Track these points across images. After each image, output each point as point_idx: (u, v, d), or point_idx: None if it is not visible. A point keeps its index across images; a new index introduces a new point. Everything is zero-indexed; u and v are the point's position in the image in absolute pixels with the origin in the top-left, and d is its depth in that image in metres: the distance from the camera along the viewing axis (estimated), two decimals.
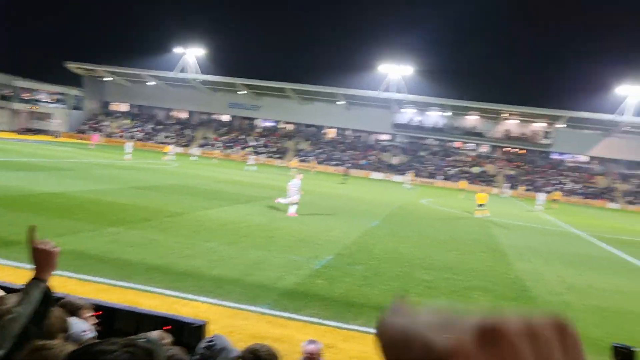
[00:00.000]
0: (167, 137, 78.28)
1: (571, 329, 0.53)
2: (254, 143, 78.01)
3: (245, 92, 79.03)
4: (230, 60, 77.65)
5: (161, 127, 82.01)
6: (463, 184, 58.72)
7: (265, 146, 77.69)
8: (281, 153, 76.56)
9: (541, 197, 48.71)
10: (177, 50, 76.86)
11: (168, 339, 3.86)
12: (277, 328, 8.15)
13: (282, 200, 21.83)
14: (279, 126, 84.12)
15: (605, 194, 71.25)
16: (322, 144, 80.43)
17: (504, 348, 0.48)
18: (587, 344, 6.77)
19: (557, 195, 55.74)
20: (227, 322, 8.10)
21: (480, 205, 30.85)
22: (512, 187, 68.58)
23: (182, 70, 76.38)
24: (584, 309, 11.45)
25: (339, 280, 11.41)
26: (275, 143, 79.20)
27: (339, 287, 10.87)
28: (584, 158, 79.06)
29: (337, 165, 71.99)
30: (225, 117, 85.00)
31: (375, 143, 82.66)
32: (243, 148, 75.72)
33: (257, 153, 70.36)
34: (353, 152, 78.14)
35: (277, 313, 8.87)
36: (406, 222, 23.23)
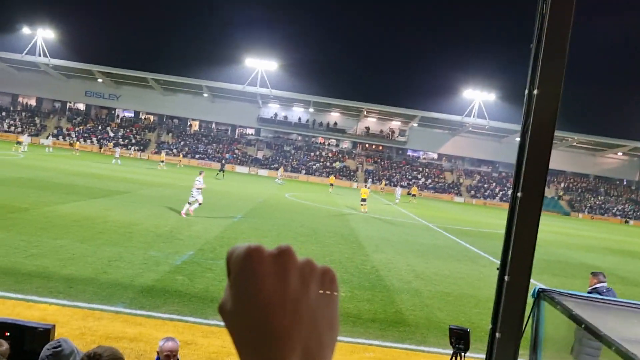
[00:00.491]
0: (11, 125, 71.50)
1: (332, 272, 0.65)
2: (112, 134, 73.95)
3: (103, 80, 74.54)
4: (88, 46, 72.43)
5: (4, 114, 74.62)
6: (332, 179, 60.69)
7: (125, 138, 73.86)
8: (142, 145, 73.37)
9: (399, 191, 52.40)
10: (26, 30, 70.17)
11: (3, 346, 3.60)
12: (133, 327, 7.91)
13: (190, 208, 20.23)
14: (140, 117, 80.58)
15: (452, 188, 77.50)
16: (185, 136, 78.41)
17: (284, 255, 0.62)
18: (432, 327, 7.44)
19: (415, 190, 59.83)
20: (78, 324, 7.71)
21: (364, 200, 32.62)
22: (372, 182, 71.99)
23: (31, 53, 69.79)
24: (430, 294, 12.44)
25: (200, 275, 11.30)
26: (136, 135, 75.64)
27: (199, 282, 10.77)
28: (434, 155, 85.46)
29: (201, 159, 70.70)
30: (81, 106, 79.59)
31: (240, 137, 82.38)
32: (101, 139, 71.46)
33: (120, 146, 66.72)
34: (217, 145, 77.15)
35: (134, 311, 8.60)
36: (269, 216, 23.51)
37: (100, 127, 75.74)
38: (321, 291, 0.63)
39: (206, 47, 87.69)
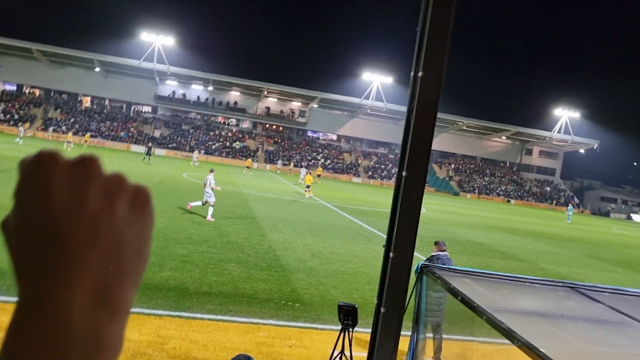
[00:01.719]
0: None
1: (146, 191, 0.55)
2: None
3: None
4: None
5: None
6: (249, 162, 59.97)
7: (7, 113, 68.23)
8: (26, 121, 68.27)
9: (304, 172, 52.84)
10: None
11: None
12: None
13: (196, 203, 19.13)
14: (24, 91, 74.84)
15: (350, 169, 79.33)
16: (76, 113, 73.87)
17: (85, 164, 0.52)
18: (326, 305, 7.54)
19: (320, 170, 60.91)
20: None
21: (308, 187, 33.88)
22: (271, 162, 72.05)
23: None
24: (326, 273, 12.69)
25: None
26: (19, 110, 70.10)
27: None
28: (333, 136, 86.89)
29: (93, 137, 67.01)
30: None
31: (136, 115, 79.01)
32: None
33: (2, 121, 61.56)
34: (111, 123, 73.48)
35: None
36: (165, 197, 22.80)
37: None
38: (131, 212, 0.53)
39: (99, 19, 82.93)
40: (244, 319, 8.58)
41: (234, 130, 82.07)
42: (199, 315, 8.41)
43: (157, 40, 70.49)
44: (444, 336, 7.26)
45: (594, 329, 4.00)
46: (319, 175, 57.62)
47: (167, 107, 79.99)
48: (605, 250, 28.00)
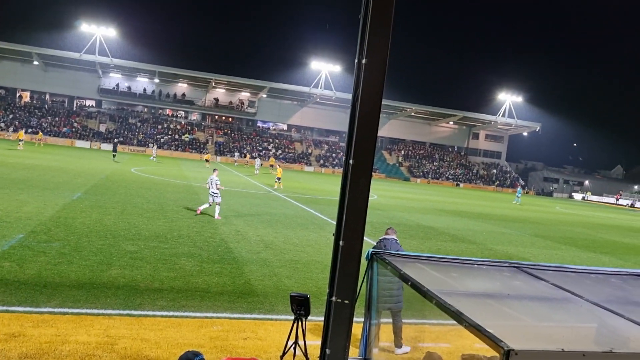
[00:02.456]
0: None
1: None
2: None
3: None
4: None
5: None
6: (208, 156, 59.10)
7: None
8: None
9: (258, 162, 52.95)
10: None
11: None
12: None
13: (204, 206, 19.16)
14: None
15: (302, 158, 79.33)
16: (15, 109, 70.89)
17: None
18: (280, 295, 7.51)
19: (272, 161, 60.77)
20: None
21: (278, 179, 34.76)
22: (221, 154, 71.24)
23: None
24: (279, 264, 12.64)
25: (31, 260, 10.36)
26: None
27: (30, 268, 9.87)
28: (284, 126, 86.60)
29: (34, 133, 64.50)
30: None
31: (80, 109, 76.51)
32: None
33: None
34: (53, 118, 70.90)
35: None
36: (112, 193, 22.23)
37: None
38: None
39: (35, 10, 79.61)
40: (197, 314, 8.46)
41: (183, 122, 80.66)
42: (150, 313, 8.23)
43: (98, 32, 68.30)
44: (404, 321, 7.37)
45: (537, 306, 4.13)
46: (271, 166, 57.61)
47: (112, 100, 77.84)
48: (549, 228, 29.05)
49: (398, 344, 7.47)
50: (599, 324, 3.77)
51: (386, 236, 8.34)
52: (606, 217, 46.31)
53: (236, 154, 71.82)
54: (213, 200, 18.84)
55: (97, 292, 8.91)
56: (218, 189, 18.91)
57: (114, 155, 47.34)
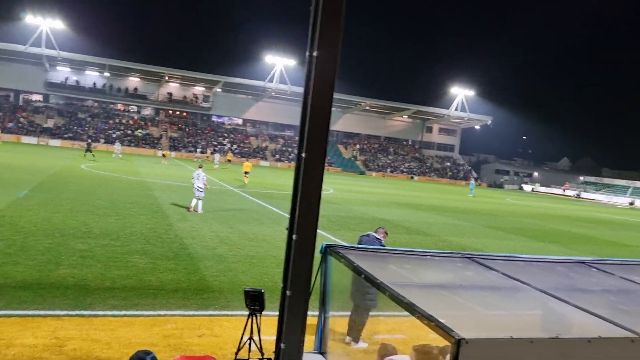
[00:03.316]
0: None
1: None
2: None
3: None
4: None
5: None
6: (167, 152, 58.09)
7: None
8: None
9: (217, 158, 52.50)
10: None
11: None
12: None
13: (197, 205, 19.30)
14: None
15: (258, 153, 78.84)
16: None
17: None
18: (236, 291, 7.41)
19: (230, 155, 60.32)
20: None
21: (246, 173, 34.98)
22: (176, 150, 70.14)
23: None
24: (235, 259, 12.53)
25: None
26: None
27: None
28: (239, 121, 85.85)
29: None
30: None
31: (26, 104, 73.80)
32: None
33: None
34: None
35: None
36: (61, 190, 21.56)
37: None
38: None
39: None
40: (151, 312, 8.29)
41: (135, 117, 78.89)
42: (101, 312, 8.01)
43: (44, 24, 65.93)
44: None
45: (488, 295, 4.21)
46: (229, 161, 57.22)
47: (60, 94, 75.40)
48: (501, 219, 29.82)
49: (356, 339, 7.52)
50: (546, 311, 3.88)
51: (370, 232, 8.41)
52: (554, 208, 47.89)
53: (198, 150, 70.99)
54: (196, 195, 19.31)
55: (45, 292, 8.62)
56: (204, 185, 19.53)
57: (93, 155, 46.00)
